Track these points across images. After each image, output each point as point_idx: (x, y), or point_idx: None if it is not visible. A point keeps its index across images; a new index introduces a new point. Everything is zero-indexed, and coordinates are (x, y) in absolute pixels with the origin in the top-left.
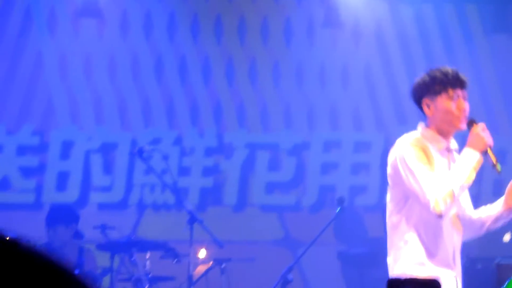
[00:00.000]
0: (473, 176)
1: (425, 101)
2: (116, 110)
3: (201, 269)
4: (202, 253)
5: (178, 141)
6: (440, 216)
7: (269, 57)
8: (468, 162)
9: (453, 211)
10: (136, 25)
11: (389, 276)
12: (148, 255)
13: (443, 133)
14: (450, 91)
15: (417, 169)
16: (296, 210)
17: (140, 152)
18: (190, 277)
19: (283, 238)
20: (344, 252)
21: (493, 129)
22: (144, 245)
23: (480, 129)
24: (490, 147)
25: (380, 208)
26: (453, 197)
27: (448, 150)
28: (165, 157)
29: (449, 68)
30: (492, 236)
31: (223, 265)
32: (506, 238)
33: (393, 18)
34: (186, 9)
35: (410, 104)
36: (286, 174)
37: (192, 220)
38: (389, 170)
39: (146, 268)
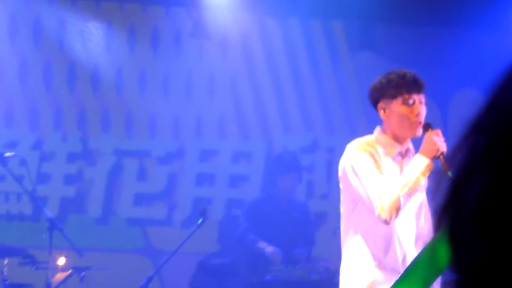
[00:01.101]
0: (420, 181)
1: (381, 104)
2: None
3: (60, 276)
4: (61, 261)
5: (37, 145)
6: (386, 222)
7: (136, 65)
8: (416, 168)
9: (405, 215)
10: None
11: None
12: (6, 261)
13: (398, 138)
14: (406, 95)
15: (364, 174)
16: (166, 225)
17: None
18: (48, 285)
19: (144, 247)
20: (205, 262)
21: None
22: (2, 251)
23: (434, 135)
24: (442, 153)
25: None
26: (399, 203)
27: (402, 155)
28: (23, 162)
29: (406, 71)
30: None
31: (82, 273)
32: None
33: (260, 31)
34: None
35: (273, 114)
36: (157, 185)
37: (52, 227)
38: (339, 174)
39: (4, 274)
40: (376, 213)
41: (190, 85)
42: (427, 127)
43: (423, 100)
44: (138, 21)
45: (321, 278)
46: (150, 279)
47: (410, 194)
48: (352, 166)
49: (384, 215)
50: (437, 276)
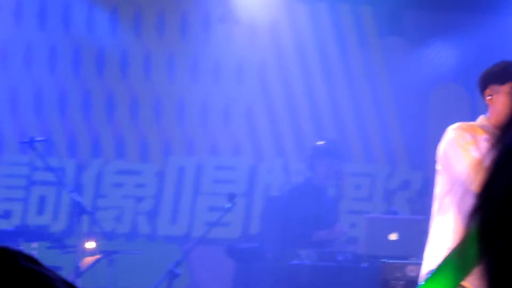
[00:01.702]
0: None
1: (488, 91)
2: None
3: (88, 260)
4: (90, 245)
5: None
6: None
7: (165, 50)
8: None
9: None
10: None
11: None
12: (35, 245)
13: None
14: None
15: (462, 148)
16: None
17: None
18: (77, 268)
19: (170, 234)
20: (231, 247)
21: (383, 131)
22: (31, 235)
23: None
24: None
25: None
26: None
27: None
28: (52, 146)
29: None
30: (379, 234)
31: (111, 257)
32: (392, 237)
33: (288, 16)
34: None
35: (301, 101)
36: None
37: (80, 211)
38: (439, 154)
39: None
40: (470, 186)
41: (218, 70)
42: None
43: None
44: (168, 8)
45: (348, 262)
46: (178, 263)
47: None
48: (453, 143)
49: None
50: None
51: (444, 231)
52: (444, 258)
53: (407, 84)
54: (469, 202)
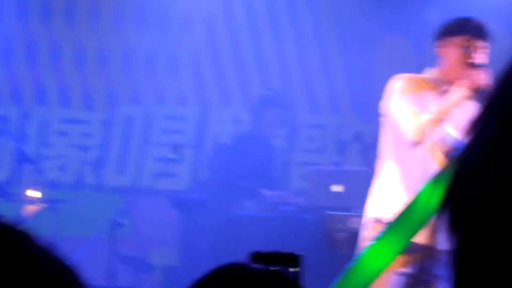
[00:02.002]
0: (452, 109)
1: (439, 42)
2: None
3: (31, 209)
4: (33, 193)
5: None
6: (415, 144)
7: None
8: (451, 96)
9: (432, 143)
10: None
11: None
12: None
13: (447, 78)
14: (466, 37)
15: (403, 98)
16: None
17: None
18: (20, 217)
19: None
20: (177, 197)
21: (331, 83)
22: None
23: (476, 71)
24: (480, 86)
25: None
26: (428, 126)
27: (447, 92)
28: None
29: (473, 18)
30: (324, 186)
31: (55, 206)
32: (337, 188)
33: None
34: None
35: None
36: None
37: (23, 159)
38: (384, 105)
39: None
40: (406, 133)
41: (166, 20)
42: (474, 66)
43: (484, 49)
44: None
45: (293, 213)
46: (121, 213)
47: (439, 119)
48: (394, 93)
49: (412, 135)
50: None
51: (386, 182)
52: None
53: (354, 35)
54: (411, 154)
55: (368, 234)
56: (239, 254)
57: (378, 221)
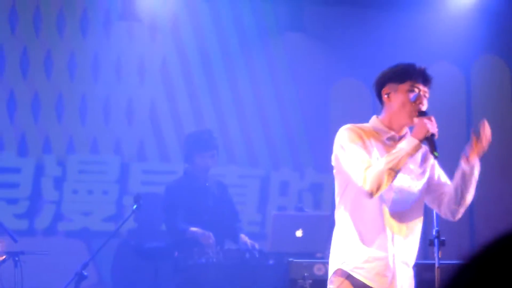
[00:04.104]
0: (406, 159)
1: (386, 89)
2: None
3: None
4: None
5: None
6: (370, 195)
7: (65, 49)
8: (404, 146)
9: (390, 195)
10: None
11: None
12: None
13: (393, 125)
14: (413, 83)
15: (351, 151)
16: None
17: None
18: None
19: (80, 230)
20: (139, 246)
21: (287, 132)
22: None
23: (426, 119)
24: (433, 135)
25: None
26: (383, 177)
27: (395, 141)
28: None
29: (416, 64)
30: (285, 231)
31: (17, 258)
32: (298, 233)
33: (189, 12)
34: None
35: (204, 96)
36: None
37: None
38: (332, 158)
39: None
40: (360, 185)
41: (120, 69)
42: (421, 114)
43: (427, 94)
44: (66, 5)
45: (256, 260)
46: (85, 265)
47: (394, 169)
48: (340, 144)
49: (367, 187)
50: None
51: (344, 231)
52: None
53: (308, 80)
54: (363, 202)
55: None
56: None
57: (340, 272)
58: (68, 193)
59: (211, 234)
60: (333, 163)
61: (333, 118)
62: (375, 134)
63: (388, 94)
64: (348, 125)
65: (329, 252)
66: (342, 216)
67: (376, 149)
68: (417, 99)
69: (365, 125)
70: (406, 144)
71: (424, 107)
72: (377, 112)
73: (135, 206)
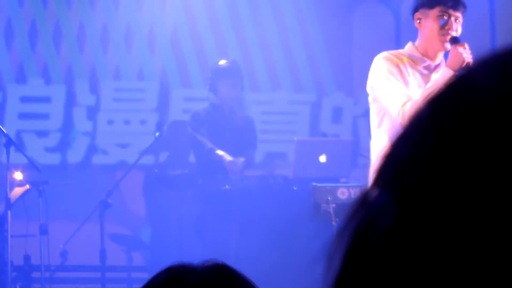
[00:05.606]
0: None
1: (418, 14)
2: None
3: (17, 191)
4: (18, 175)
5: None
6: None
7: (74, 18)
8: (439, 79)
9: None
10: None
11: None
12: None
13: (428, 52)
14: (443, 8)
15: (388, 81)
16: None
17: None
18: (8, 200)
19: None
20: (163, 174)
21: (309, 55)
22: None
23: (460, 47)
24: (468, 64)
25: None
26: None
27: (430, 70)
28: None
29: None
30: (309, 157)
31: (41, 187)
32: (322, 159)
33: None
34: None
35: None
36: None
37: (8, 143)
38: (368, 86)
39: None
40: (399, 121)
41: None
42: (454, 41)
43: (460, 19)
44: None
45: (280, 185)
46: (109, 193)
47: None
48: (377, 75)
49: (402, 121)
50: None
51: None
52: None
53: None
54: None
55: None
56: (227, 225)
57: None
58: (102, 123)
59: (240, 160)
60: (368, 91)
61: (356, 44)
62: (412, 62)
63: (419, 19)
64: (384, 53)
65: (353, 177)
66: (378, 145)
67: (413, 77)
68: (446, 25)
69: (401, 51)
70: (441, 76)
71: (455, 33)
72: (401, 40)
73: (157, 134)
